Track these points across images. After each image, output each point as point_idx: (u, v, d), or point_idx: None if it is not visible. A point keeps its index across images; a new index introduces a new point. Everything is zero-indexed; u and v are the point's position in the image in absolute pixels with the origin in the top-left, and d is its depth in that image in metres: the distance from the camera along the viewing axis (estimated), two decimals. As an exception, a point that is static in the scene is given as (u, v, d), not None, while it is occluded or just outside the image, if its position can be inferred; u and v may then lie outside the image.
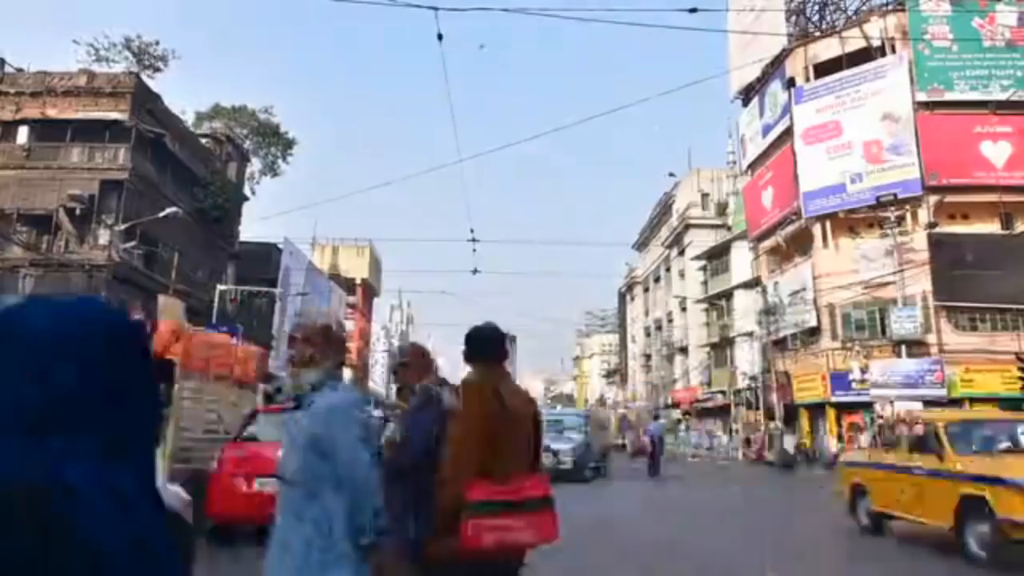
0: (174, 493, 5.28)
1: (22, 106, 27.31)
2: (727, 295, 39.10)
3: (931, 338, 25.24)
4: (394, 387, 2.79)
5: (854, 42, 28.77)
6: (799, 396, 28.62)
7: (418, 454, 2.95)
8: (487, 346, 2.91)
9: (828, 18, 31.63)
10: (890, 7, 28.96)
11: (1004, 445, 8.11)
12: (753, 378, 33.45)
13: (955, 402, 24.14)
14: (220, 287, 31.27)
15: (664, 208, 52.79)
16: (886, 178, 26.65)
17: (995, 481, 6.96)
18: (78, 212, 25.89)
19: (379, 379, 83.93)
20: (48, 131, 27.38)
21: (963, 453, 7.78)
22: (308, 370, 2.29)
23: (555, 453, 15.85)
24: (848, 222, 28.40)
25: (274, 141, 42.01)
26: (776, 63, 31.33)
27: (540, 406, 3.09)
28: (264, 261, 38.40)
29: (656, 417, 36.74)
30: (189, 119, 36.27)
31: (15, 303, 0.81)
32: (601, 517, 10.57)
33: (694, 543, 8.74)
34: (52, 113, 27.23)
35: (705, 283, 42.50)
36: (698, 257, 42.55)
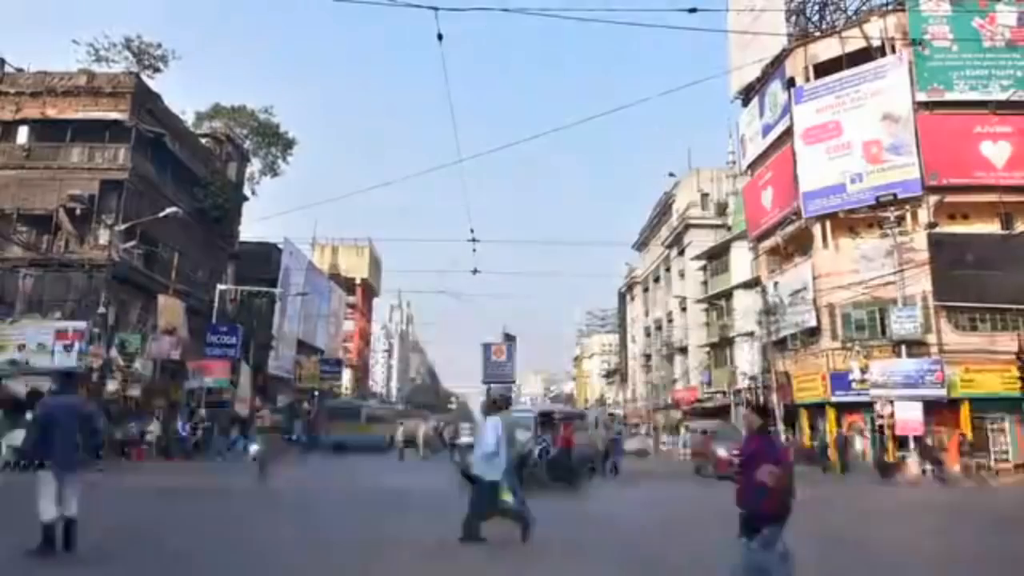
0: None
1: (22, 106, 27.31)
2: (727, 295, 39.09)
3: (931, 338, 25.23)
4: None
5: (854, 42, 28.74)
6: (799, 396, 28.61)
7: None
8: None
9: (828, 18, 31.59)
10: (890, 7, 28.94)
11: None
12: (753, 378, 33.43)
13: (955, 402, 24.18)
14: (220, 287, 31.28)
15: (664, 208, 52.76)
16: (886, 178, 26.63)
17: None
18: (78, 212, 25.89)
19: (379, 379, 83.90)
20: (48, 131, 27.38)
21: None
22: None
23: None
24: (848, 222, 28.39)
25: (274, 141, 42.00)
26: (776, 63, 31.32)
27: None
28: (264, 261, 38.43)
29: (612, 416, 39.08)
30: (189, 119, 36.28)
31: None
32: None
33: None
34: (52, 113, 27.23)
35: (705, 283, 42.49)
36: (698, 257, 42.54)
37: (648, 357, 56.86)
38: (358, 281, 65.61)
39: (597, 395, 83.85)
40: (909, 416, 23.42)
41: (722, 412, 38.70)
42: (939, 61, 26.98)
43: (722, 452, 20.29)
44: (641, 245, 61.09)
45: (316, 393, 44.35)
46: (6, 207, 25.99)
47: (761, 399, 31.11)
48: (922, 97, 26.73)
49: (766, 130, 32.59)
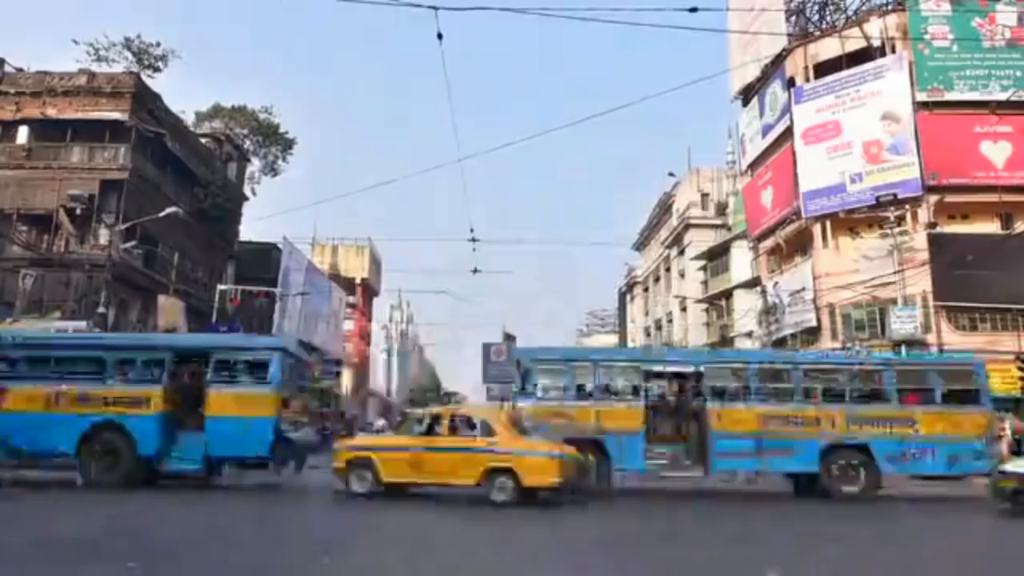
0: None
1: (22, 106, 27.30)
2: (727, 295, 39.10)
3: (931, 338, 25.24)
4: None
5: (854, 42, 28.77)
6: (799, 396, 28.59)
7: None
8: None
9: (828, 18, 31.64)
10: (890, 7, 28.97)
11: None
12: (753, 378, 33.39)
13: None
14: (220, 287, 31.26)
15: (664, 208, 52.76)
16: (886, 178, 26.66)
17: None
18: (78, 212, 25.90)
19: (380, 378, 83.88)
20: (48, 131, 27.39)
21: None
22: None
23: None
24: (848, 222, 28.41)
25: (274, 141, 42.00)
26: (776, 63, 31.34)
27: None
28: (264, 261, 38.37)
29: None
30: (189, 119, 36.26)
31: None
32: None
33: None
34: (52, 113, 27.23)
35: (705, 283, 42.49)
36: (698, 257, 42.55)
37: (648, 357, 56.83)
38: (358, 281, 65.49)
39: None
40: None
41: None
42: (939, 61, 27.00)
43: None
44: (641, 245, 61.09)
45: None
46: (6, 207, 25.99)
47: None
48: (922, 97, 26.76)
49: (766, 130, 32.60)
